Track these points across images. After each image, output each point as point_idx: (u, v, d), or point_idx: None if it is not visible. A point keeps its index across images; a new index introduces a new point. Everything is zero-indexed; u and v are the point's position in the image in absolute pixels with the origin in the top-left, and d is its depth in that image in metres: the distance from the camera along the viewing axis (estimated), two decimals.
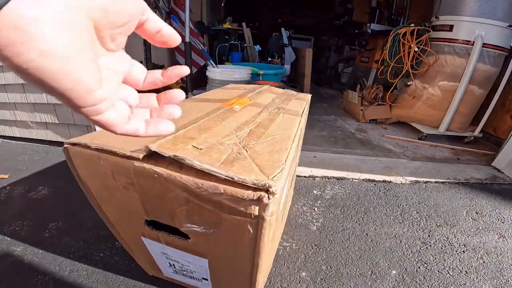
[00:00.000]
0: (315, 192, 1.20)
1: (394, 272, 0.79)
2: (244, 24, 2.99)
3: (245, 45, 2.89)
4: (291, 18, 5.44)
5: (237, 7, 4.25)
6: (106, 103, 0.19)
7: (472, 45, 1.76)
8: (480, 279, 0.79)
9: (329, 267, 0.79)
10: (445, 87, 1.92)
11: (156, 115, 0.25)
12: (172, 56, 2.34)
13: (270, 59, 2.78)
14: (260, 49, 2.75)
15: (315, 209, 1.08)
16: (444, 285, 0.76)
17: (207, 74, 1.93)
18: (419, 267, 0.82)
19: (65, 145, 0.43)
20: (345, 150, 1.71)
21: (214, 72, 1.87)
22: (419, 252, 0.88)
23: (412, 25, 2.06)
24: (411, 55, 2.05)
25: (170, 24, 2.19)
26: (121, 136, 0.23)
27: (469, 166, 1.59)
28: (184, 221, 0.44)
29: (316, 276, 0.76)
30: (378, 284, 0.75)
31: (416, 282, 0.76)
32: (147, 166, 0.38)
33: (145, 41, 2.01)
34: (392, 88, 2.24)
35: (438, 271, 0.81)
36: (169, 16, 2.15)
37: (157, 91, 0.26)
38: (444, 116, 1.91)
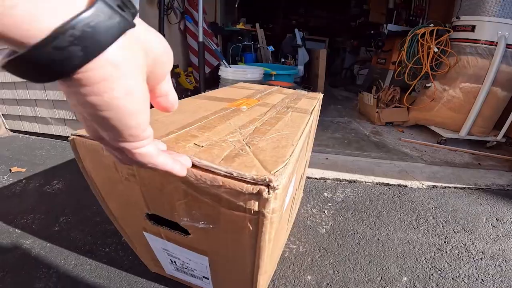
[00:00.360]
0: (325, 194, 1.17)
1: (405, 278, 0.75)
2: (257, 25, 2.99)
3: (258, 45, 2.89)
4: (305, 20, 5.41)
5: (251, 8, 4.27)
6: (150, 139, 0.22)
7: (495, 45, 1.67)
8: (496, 287, 0.74)
9: (336, 272, 0.76)
10: (466, 88, 1.83)
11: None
12: (186, 56, 2.38)
13: (283, 60, 2.76)
14: (274, 50, 2.74)
15: (325, 211, 1.04)
16: None
17: (219, 73, 1.94)
18: (432, 274, 0.77)
19: (71, 137, 0.43)
20: (359, 153, 1.66)
21: (227, 71, 1.88)
22: (433, 258, 0.84)
23: (432, 25, 1.98)
24: (430, 56, 1.97)
25: (184, 24, 2.24)
26: None
27: (490, 171, 1.50)
28: (183, 215, 0.43)
29: (322, 281, 0.73)
30: None
31: None
32: None
33: None
34: (410, 90, 2.16)
35: (452, 278, 0.77)
36: (183, 17, 2.18)
37: None
38: (466, 120, 1.82)
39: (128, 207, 0.51)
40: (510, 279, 0.77)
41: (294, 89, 1.08)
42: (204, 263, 0.54)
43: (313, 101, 0.79)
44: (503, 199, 1.21)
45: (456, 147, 1.82)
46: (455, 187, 1.29)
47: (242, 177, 0.34)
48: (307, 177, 1.29)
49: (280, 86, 1.02)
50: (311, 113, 0.65)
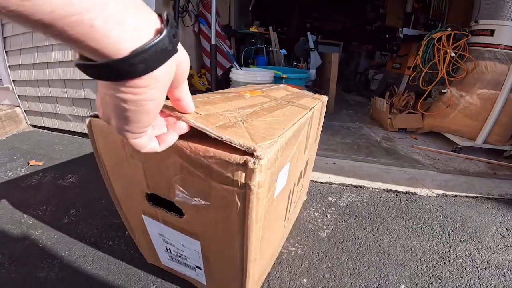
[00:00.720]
0: (329, 198, 1.16)
1: (403, 286, 0.73)
2: (270, 28, 3.01)
3: (270, 48, 2.90)
4: (320, 23, 5.37)
5: (265, 11, 4.30)
6: (146, 134, 0.28)
7: None
8: None
9: (332, 276, 0.76)
10: (484, 95, 1.76)
11: (169, 128, 0.35)
12: (199, 58, 2.43)
13: (295, 63, 2.76)
14: (286, 53, 2.74)
15: (328, 215, 1.04)
16: None
17: (230, 75, 1.97)
18: (431, 283, 0.75)
19: (88, 118, 0.47)
20: (368, 159, 1.63)
21: (238, 74, 1.90)
22: (435, 267, 0.81)
23: (449, 29, 1.93)
24: (446, 61, 1.91)
25: (199, 26, 2.29)
26: None
27: (506, 181, 1.44)
28: (178, 191, 0.46)
29: (318, 284, 0.73)
30: None
31: None
32: None
33: None
34: (425, 96, 2.11)
35: (452, 287, 0.74)
36: (198, 19, 2.23)
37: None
38: (482, 127, 1.75)
39: (130, 187, 0.54)
40: None
41: None
42: (197, 249, 0.56)
43: (316, 100, 0.80)
44: None
45: (471, 155, 1.75)
46: (466, 196, 1.25)
47: (230, 142, 0.36)
48: (312, 181, 1.29)
49: (286, 85, 1.03)
50: (311, 109, 0.66)
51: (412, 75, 2.22)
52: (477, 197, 1.24)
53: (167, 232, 0.57)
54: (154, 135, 0.32)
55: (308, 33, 2.57)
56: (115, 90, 0.22)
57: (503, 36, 1.65)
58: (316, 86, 2.65)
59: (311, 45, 2.51)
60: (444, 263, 0.83)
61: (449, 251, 0.89)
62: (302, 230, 0.95)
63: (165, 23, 0.22)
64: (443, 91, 1.99)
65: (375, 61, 3.89)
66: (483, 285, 0.76)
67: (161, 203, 0.51)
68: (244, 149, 0.36)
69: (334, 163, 1.52)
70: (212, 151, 0.37)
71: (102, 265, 0.74)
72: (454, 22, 2.09)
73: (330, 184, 1.29)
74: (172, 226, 0.55)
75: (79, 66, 0.21)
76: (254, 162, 0.35)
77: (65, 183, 1.15)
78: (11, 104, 1.91)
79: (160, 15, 0.23)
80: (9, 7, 0.16)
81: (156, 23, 0.22)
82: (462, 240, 0.95)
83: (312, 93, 0.97)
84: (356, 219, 1.03)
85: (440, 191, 1.27)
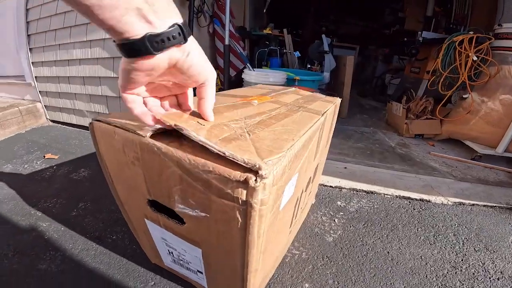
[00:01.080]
0: (339, 203, 1.13)
1: None
2: (285, 30, 3.00)
3: (284, 51, 2.89)
4: (336, 26, 5.31)
5: (280, 13, 4.29)
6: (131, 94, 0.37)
7: None
8: None
9: (336, 282, 0.73)
10: (507, 101, 1.67)
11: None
12: (214, 59, 2.45)
13: (309, 66, 2.74)
14: (300, 55, 2.72)
15: (335, 220, 1.01)
16: None
17: (242, 76, 1.97)
18: None
19: (91, 121, 0.47)
20: (381, 164, 1.58)
21: (250, 75, 1.90)
22: (445, 276, 0.77)
23: (471, 32, 1.85)
24: (468, 65, 1.83)
25: (213, 27, 2.31)
26: (134, 120, 0.42)
27: None
28: (178, 202, 0.45)
29: None
30: None
31: None
32: (150, 140, 0.40)
33: None
34: (444, 101, 2.02)
35: None
36: (212, 20, 2.25)
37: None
38: (504, 135, 1.66)
39: (132, 191, 0.53)
40: None
41: None
42: (198, 256, 0.55)
43: (328, 104, 0.77)
44: None
45: (491, 164, 1.66)
46: (484, 205, 1.18)
47: (233, 158, 0.33)
48: (321, 185, 1.26)
49: (298, 88, 1.00)
50: (323, 114, 0.64)
51: (432, 80, 2.14)
52: (495, 206, 1.17)
53: (169, 237, 0.56)
54: (147, 110, 0.38)
55: (323, 36, 2.54)
56: (124, 62, 0.33)
57: None
58: (330, 90, 2.61)
59: (326, 48, 2.48)
60: (456, 272, 0.79)
61: (462, 260, 0.84)
62: (308, 233, 0.92)
63: (167, 28, 0.31)
64: (464, 96, 1.91)
65: (392, 65, 3.79)
66: None
67: (163, 208, 0.50)
68: (248, 166, 0.33)
69: (345, 168, 1.48)
70: (211, 165, 0.35)
71: (104, 259, 0.75)
72: (477, 26, 2.01)
73: (340, 188, 1.25)
74: (174, 232, 0.54)
75: (118, 44, 0.31)
76: (255, 180, 0.32)
77: (77, 177, 1.18)
78: (32, 99, 2.00)
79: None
80: None
81: (147, 29, 0.30)
82: (476, 249, 0.90)
83: (323, 95, 0.94)
84: (365, 225, 0.99)
85: (457, 200, 1.21)
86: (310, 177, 0.72)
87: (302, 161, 0.50)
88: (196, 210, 0.43)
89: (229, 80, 2.16)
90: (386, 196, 1.22)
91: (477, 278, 0.77)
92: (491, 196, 1.27)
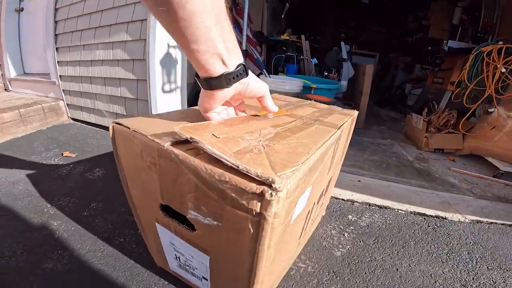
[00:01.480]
0: (350, 217, 1.09)
1: None
2: (303, 36, 2.97)
3: (301, 57, 2.86)
4: (356, 33, 5.21)
5: (299, 19, 4.26)
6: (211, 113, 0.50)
7: None
8: None
9: None
10: None
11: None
12: None
13: (326, 73, 2.69)
14: (317, 62, 2.68)
15: (345, 234, 0.98)
16: None
17: None
18: None
19: (112, 124, 0.49)
20: (397, 179, 1.52)
21: (266, 81, 1.89)
22: None
23: (501, 42, 1.76)
24: (496, 77, 1.74)
25: None
26: (155, 124, 0.49)
27: None
28: (191, 209, 0.45)
29: None
30: None
31: None
32: (168, 147, 0.41)
33: None
34: (468, 115, 1.93)
35: None
36: None
37: None
38: None
39: (146, 195, 0.54)
40: None
41: (334, 104, 1.04)
42: (205, 263, 0.55)
43: (345, 117, 0.75)
44: None
45: None
46: (502, 224, 1.12)
47: (247, 171, 0.34)
48: (333, 197, 1.23)
49: (315, 100, 0.99)
50: (339, 128, 0.62)
51: (456, 92, 2.05)
52: None
53: (178, 242, 0.57)
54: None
55: (342, 43, 2.50)
56: (203, 92, 0.46)
57: None
58: (347, 99, 2.55)
59: (344, 55, 2.43)
60: None
61: (473, 279, 0.81)
62: (315, 247, 0.89)
63: (234, 68, 0.43)
64: (490, 110, 1.81)
65: (413, 75, 3.67)
66: None
67: (175, 214, 0.51)
68: (261, 180, 0.33)
69: (359, 181, 1.44)
70: (228, 176, 0.35)
71: (109, 261, 0.75)
72: (506, 35, 1.90)
73: (352, 202, 1.22)
74: (183, 237, 0.54)
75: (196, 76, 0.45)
76: (271, 194, 0.33)
77: (92, 176, 1.21)
78: (55, 97, 2.08)
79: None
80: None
81: (225, 69, 0.42)
82: (489, 268, 0.86)
83: (341, 108, 0.92)
84: (376, 240, 0.96)
85: (474, 217, 1.15)
86: (323, 190, 0.71)
87: (316, 175, 0.49)
88: (208, 218, 0.44)
89: None
90: (400, 211, 1.17)
91: None
92: (511, 215, 1.20)
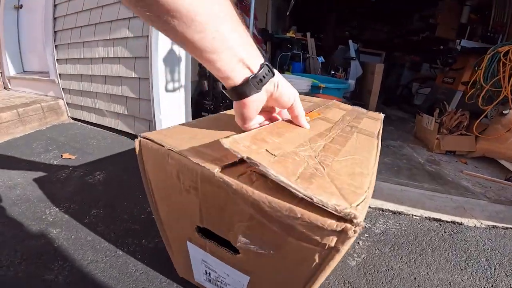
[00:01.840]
0: (363, 224, 1.04)
1: None
2: (308, 34, 2.90)
3: (307, 55, 2.79)
4: (360, 32, 5.14)
5: (303, 17, 4.20)
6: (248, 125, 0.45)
7: None
8: None
9: None
10: None
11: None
12: None
13: (333, 72, 2.63)
14: (324, 61, 2.62)
15: (360, 242, 0.93)
16: None
17: None
18: None
19: (139, 138, 0.43)
20: (409, 182, 1.47)
21: None
22: None
23: None
24: None
25: None
26: (190, 137, 0.44)
27: None
28: (241, 237, 0.41)
29: None
30: None
31: None
32: (217, 174, 0.36)
33: None
34: (482, 116, 1.87)
35: None
36: None
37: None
38: None
39: (179, 215, 0.50)
40: None
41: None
42: (243, 282, 0.51)
43: (377, 123, 0.73)
44: None
45: None
46: None
47: (322, 205, 0.29)
48: None
49: (336, 101, 0.96)
50: (377, 137, 0.59)
51: (470, 92, 1.99)
52: None
53: (212, 261, 0.53)
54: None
55: (350, 41, 2.43)
56: (236, 104, 0.42)
57: None
58: (355, 98, 2.49)
59: (352, 54, 2.37)
60: None
61: (492, 286, 0.80)
62: None
63: (258, 70, 0.38)
64: (504, 112, 1.75)
65: (420, 74, 3.60)
66: None
67: (212, 235, 0.46)
68: (340, 215, 0.29)
69: None
70: (299, 212, 0.31)
71: (113, 273, 0.70)
72: None
73: None
74: (221, 259, 0.50)
75: (223, 88, 0.42)
76: (354, 231, 0.29)
77: (93, 180, 1.15)
78: (55, 96, 2.02)
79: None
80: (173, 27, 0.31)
81: (248, 73, 0.38)
82: (507, 274, 0.85)
83: (364, 110, 0.90)
84: (392, 248, 0.92)
85: (490, 223, 1.12)
86: None
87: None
88: (260, 248, 0.40)
89: None
90: (414, 217, 1.13)
91: None
92: None
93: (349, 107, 0.88)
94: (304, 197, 0.30)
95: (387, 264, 0.84)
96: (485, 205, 1.29)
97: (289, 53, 2.63)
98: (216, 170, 0.36)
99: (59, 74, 1.96)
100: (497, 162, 1.79)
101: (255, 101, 0.41)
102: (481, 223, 1.11)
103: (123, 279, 0.69)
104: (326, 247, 0.33)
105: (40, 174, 1.17)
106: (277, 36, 2.80)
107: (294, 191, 0.30)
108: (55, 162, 1.28)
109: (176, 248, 0.60)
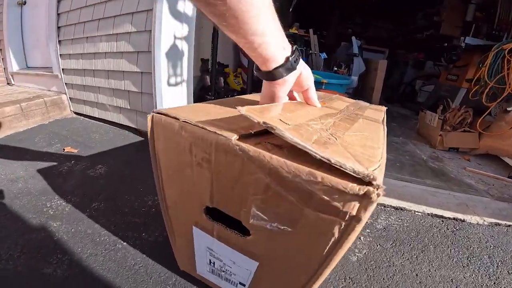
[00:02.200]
0: None
1: None
2: (311, 30, 2.89)
3: (310, 51, 2.78)
4: (362, 29, 5.10)
5: (306, 13, 4.17)
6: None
7: None
8: None
9: None
10: None
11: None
12: (237, 57, 2.40)
13: (336, 68, 2.61)
14: (326, 57, 2.60)
15: (361, 238, 0.93)
16: None
17: None
18: None
19: (152, 113, 0.42)
20: (412, 179, 1.46)
21: None
22: None
23: None
24: None
25: None
26: (203, 113, 0.44)
27: None
28: (254, 214, 0.39)
29: None
30: None
31: None
32: (234, 141, 0.34)
33: (212, 45, 2.10)
34: (486, 113, 1.85)
35: None
36: None
37: None
38: None
39: (187, 196, 0.48)
40: None
41: None
42: (251, 269, 0.50)
43: (380, 113, 0.72)
44: None
45: None
46: None
47: (340, 166, 0.28)
48: None
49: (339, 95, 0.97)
50: (383, 123, 0.59)
51: (474, 89, 1.97)
52: None
53: (218, 248, 0.51)
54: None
55: (353, 38, 2.42)
56: (269, 85, 0.45)
57: None
58: (358, 95, 2.48)
59: (356, 51, 2.36)
60: None
61: (494, 283, 0.79)
62: None
63: (291, 53, 0.42)
64: (508, 109, 1.74)
65: (424, 71, 3.57)
66: None
67: (219, 217, 0.45)
68: (360, 177, 0.28)
69: None
70: (319, 175, 0.30)
71: (112, 267, 0.70)
72: None
73: None
74: (228, 243, 0.49)
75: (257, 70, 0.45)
76: (377, 194, 0.28)
77: (94, 173, 1.16)
78: (57, 91, 2.03)
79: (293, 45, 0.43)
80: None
81: (288, 53, 0.42)
82: (510, 272, 0.84)
83: (367, 102, 0.90)
84: (394, 244, 0.91)
85: (493, 220, 1.11)
86: None
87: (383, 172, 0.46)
88: (275, 223, 0.38)
89: (253, 80, 2.10)
90: (417, 213, 1.12)
91: None
92: None
93: (353, 100, 0.88)
94: (322, 158, 0.29)
95: (388, 260, 0.83)
96: (488, 202, 1.28)
97: None
98: (234, 137, 0.35)
99: (62, 69, 1.96)
100: (500, 160, 1.78)
101: (289, 81, 0.44)
102: (484, 220, 1.10)
103: (122, 272, 0.69)
104: (346, 217, 0.31)
105: (42, 167, 1.17)
106: None
107: (312, 152, 0.29)
108: (57, 155, 1.29)
109: (180, 237, 0.59)
